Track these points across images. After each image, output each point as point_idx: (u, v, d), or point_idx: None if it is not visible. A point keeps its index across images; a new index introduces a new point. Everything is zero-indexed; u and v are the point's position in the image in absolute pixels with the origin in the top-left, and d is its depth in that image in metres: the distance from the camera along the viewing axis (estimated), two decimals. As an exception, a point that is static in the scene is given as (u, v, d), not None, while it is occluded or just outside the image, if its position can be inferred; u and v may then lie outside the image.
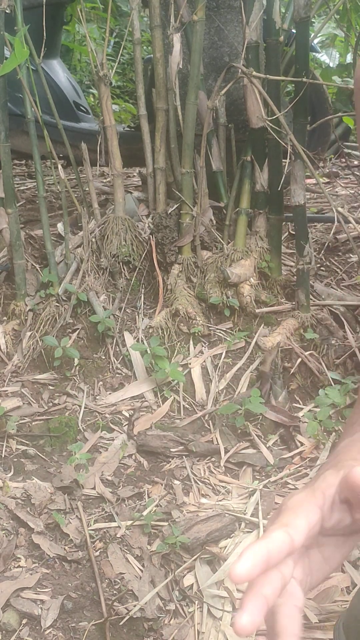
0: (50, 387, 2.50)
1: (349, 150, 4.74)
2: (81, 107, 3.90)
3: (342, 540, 0.65)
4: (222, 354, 2.55)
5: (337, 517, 0.62)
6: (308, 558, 0.64)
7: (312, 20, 3.67)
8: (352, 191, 3.94)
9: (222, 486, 2.16)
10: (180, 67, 2.56)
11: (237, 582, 0.53)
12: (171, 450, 2.27)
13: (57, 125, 2.74)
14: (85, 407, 2.42)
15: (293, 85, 2.71)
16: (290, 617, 0.57)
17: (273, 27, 2.47)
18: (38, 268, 2.81)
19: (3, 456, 2.25)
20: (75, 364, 2.54)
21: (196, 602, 1.80)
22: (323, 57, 6.18)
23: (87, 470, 2.17)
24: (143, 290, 2.77)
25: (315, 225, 3.41)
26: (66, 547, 1.94)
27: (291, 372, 2.48)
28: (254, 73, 2.43)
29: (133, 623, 1.75)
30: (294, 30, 2.46)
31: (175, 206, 2.68)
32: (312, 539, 0.62)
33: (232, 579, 0.53)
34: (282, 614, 0.57)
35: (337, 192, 3.98)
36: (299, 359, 2.49)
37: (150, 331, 2.60)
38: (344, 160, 4.43)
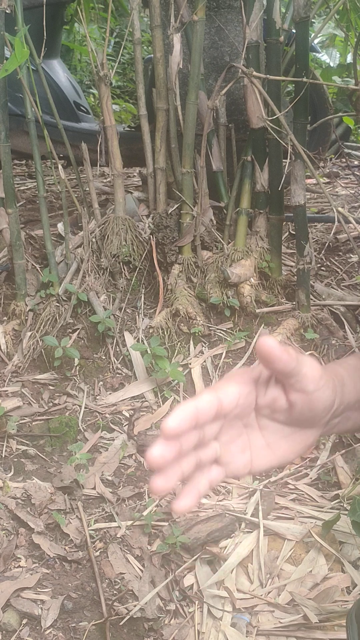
0: (51, 387, 2.50)
1: (349, 150, 4.74)
2: (81, 107, 3.90)
3: (289, 431, 0.67)
4: (222, 354, 2.55)
5: (272, 395, 0.64)
6: (247, 436, 0.66)
7: (312, 20, 3.67)
8: (353, 191, 3.94)
9: (223, 486, 2.16)
10: (181, 67, 2.56)
11: (167, 435, 0.58)
12: (171, 450, 2.26)
13: (57, 125, 2.74)
14: (85, 407, 2.42)
15: (293, 85, 2.71)
16: (198, 485, 0.63)
17: (273, 27, 2.47)
18: (38, 268, 2.81)
19: (3, 456, 2.25)
20: (75, 364, 2.54)
21: (196, 602, 1.80)
22: (323, 57, 6.17)
23: (87, 470, 2.17)
24: (143, 290, 2.77)
25: (316, 225, 3.41)
26: (66, 547, 1.94)
27: (291, 372, 2.47)
28: (254, 73, 2.43)
29: (133, 623, 1.75)
30: (294, 30, 2.46)
31: (176, 206, 2.68)
32: (246, 410, 0.65)
33: (163, 432, 0.58)
34: (193, 481, 0.63)
35: (337, 192, 3.98)
36: (299, 359, 2.48)
37: (150, 331, 2.60)
38: (344, 160, 4.43)
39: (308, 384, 0.63)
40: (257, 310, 2.61)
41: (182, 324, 2.59)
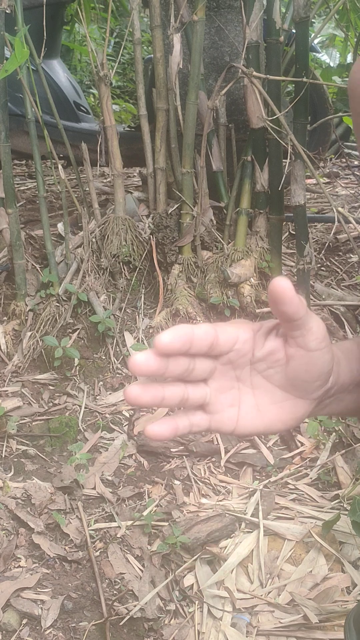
0: (51, 387, 2.50)
1: (349, 150, 4.74)
2: (81, 107, 3.90)
3: (280, 397, 0.66)
4: (222, 354, 2.55)
5: (271, 346, 0.63)
6: (238, 391, 0.65)
7: (312, 20, 3.67)
8: (353, 191, 3.94)
9: (223, 486, 2.16)
10: (181, 67, 2.56)
11: (160, 349, 0.56)
12: (171, 450, 2.27)
13: (57, 125, 2.74)
14: (85, 407, 2.42)
15: (293, 85, 2.71)
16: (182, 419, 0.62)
17: (273, 27, 2.47)
18: (38, 268, 2.81)
19: (3, 456, 2.25)
20: (75, 364, 2.54)
21: (196, 602, 1.80)
22: (323, 57, 6.18)
23: (87, 470, 2.17)
24: (143, 290, 2.77)
25: (316, 225, 3.41)
26: (66, 547, 1.94)
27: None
28: (254, 73, 2.43)
29: (133, 623, 1.75)
30: (294, 30, 2.46)
31: (176, 206, 2.68)
32: (241, 358, 0.63)
33: (155, 345, 0.56)
34: (175, 415, 0.62)
35: (337, 192, 3.98)
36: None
37: (150, 331, 2.60)
38: (344, 160, 4.43)
39: (311, 340, 0.62)
40: (257, 310, 2.61)
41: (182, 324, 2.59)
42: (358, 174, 4.27)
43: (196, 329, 0.58)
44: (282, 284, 0.58)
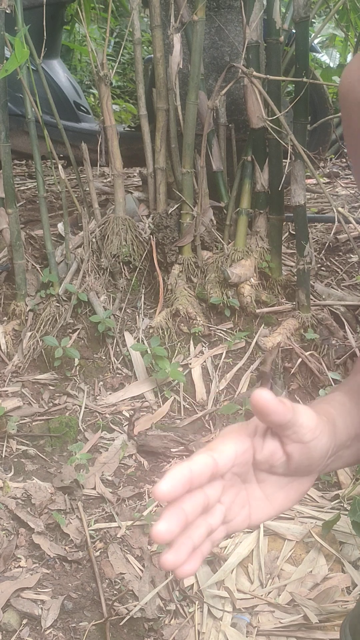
0: (51, 387, 2.50)
1: (349, 150, 4.72)
2: (81, 107, 3.90)
3: (286, 482, 0.66)
4: (222, 354, 2.55)
5: (269, 449, 0.63)
6: (246, 491, 0.65)
7: (312, 20, 3.67)
8: (353, 191, 3.94)
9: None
10: (181, 67, 2.56)
11: (161, 500, 0.55)
12: (171, 450, 2.27)
13: (57, 125, 2.74)
14: (85, 407, 2.42)
15: (293, 85, 2.71)
16: (200, 532, 0.60)
17: (273, 27, 2.47)
18: (38, 268, 2.81)
19: (3, 456, 2.25)
20: (75, 364, 2.54)
21: (196, 602, 1.80)
22: (323, 57, 6.17)
23: (87, 471, 2.17)
24: (143, 290, 2.77)
25: (316, 225, 3.40)
26: (66, 547, 1.94)
27: (292, 372, 2.47)
28: (254, 73, 2.43)
29: (133, 623, 1.75)
30: (294, 30, 2.46)
31: (176, 206, 2.68)
32: (244, 467, 0.63)
33: (155, 497, 0.55)
34: (195, 527, 0.60)
35: (337, 192, 3.98)
36: (300, 359, 2.49)
37: (150, 331, 2.60)
38: (344, 160, 4.43)
39: (305, 434, 0.62)
40: (257, 311, 2.61)
41: (182, 324, 2.59)
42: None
43: (193, 465, 0.57)
44: (263, 397, 0.58)
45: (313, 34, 3.13)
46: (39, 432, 2.34)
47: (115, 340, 2.61)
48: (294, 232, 2.99)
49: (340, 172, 4.38)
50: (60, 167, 2.68)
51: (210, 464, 0.59)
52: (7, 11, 2.42)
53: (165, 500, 0.55)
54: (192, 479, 0.57)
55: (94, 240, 2.77)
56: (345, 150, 4.46)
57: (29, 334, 2.61)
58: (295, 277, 2.66)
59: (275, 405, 0.58)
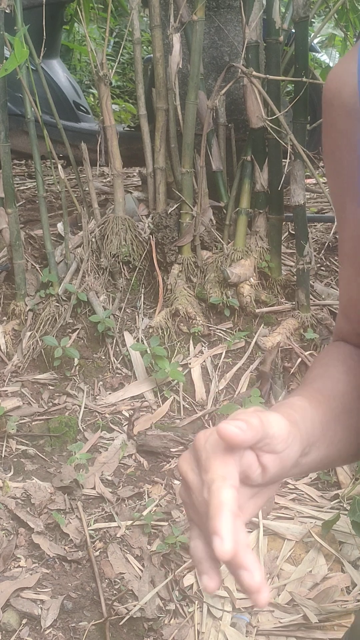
0: (50, 387, 2.50)
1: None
2: (81, 107, 3.90)
3: (255, 491, 0.66)
4: (222, 353, 2.55)
5: (247, 462, 0.62)
6: None
7: (312, 20, 3.67)
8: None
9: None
10: (180, 66, 2.56)
11: (228, 559, 0.54)
12: (171, 450, 2.27)
13: (57, 125, 2.74)
14: (85, 407, 2.42)
15: (293, 85, 2.71)
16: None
17: (273, 27, 2.47)
18: (38, 268, 2.81)
19: (3, 456, 2.25)
20: (75, 364, 2.54)
21: (196, 602, 1.80)
22: (323, 56, 6.17)
23: (87, 470, 2.17)
24: (143, 290, 2.77)
25: (315, 225, 3.41)
26: (66, 547, 1.94)
27: (291, 372, 2.48)
28: (254, 73, 2.43)
29: (133, 623, 1.75)
30: (293, 30, 2.46)
31: (175, 206, 2.68)
32: None
33: (222, 558, 0.54)
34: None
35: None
36: (299, 359, 2.49)
37: (150, 331, 2.60)
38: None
39: (277, 444, 0.61)
40: (257, 310, 2.61)
41: (181, 324, 2.59)
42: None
43: (232, 509, 0.57)
44: (229, 433, 0.57)
45: (312, 34, 3.13)
46: (38, 432, 2.34)
47: (114, 340, 2.61)
48: (293, 232, 2.99)
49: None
50: (59, 167, 2.68)
51: (236, 496, 0.58)
52: (7, 11, 2.42)
53: (230, 557, 0.54)
54: (235, 519, 0.56)
55: (93, 240, 2.77)
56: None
57: (28, 333, 2.61)
58: (295, 276, 2.66)
59: (243, 437, 0.58)
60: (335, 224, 2.84)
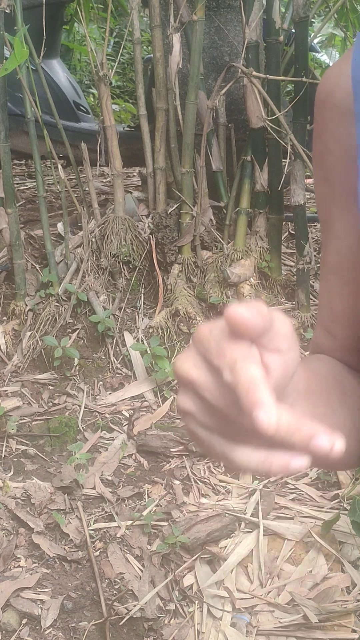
0: (50, 387, 2.50)
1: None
2: (81, 107, 3.90)
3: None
4: (222, 353, 2.54)
5: (230, 397, 0.52)
6: None
7: (312, 20, 3.67)
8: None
9: (222, 486, 2.16)
10: (180, 66, 2.56)
11: (275, 429, 0.46)
12: (171, 450, 2.27)
13: (57, 125, 2.74)
14: (85, 407, 2.42)
15: (293, 85, 2.71)
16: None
17: (273, 27, 2.47)
18: (38, 268, 2.81)
19: (3, 456, 2.25)
20: (75, 364, 2.54)
21: (196, 602, 1.80)
22: (323, 57, 6.17)
23: (87, 470, 2.17)
24: (143, 290, 2.77)
25: (315, 225, 3.40)
26: (66, 547, 1.94)
27: (291, 372, 2.47)
28: (254, 73, 2.43)
29: (133, 623, 1.75)
30: (293, 30, 2.46)
31: (175, 206, 2.68)
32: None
33: (269, 429, 0.47)
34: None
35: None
36: (299, 359, 2.49)
37: (150, 331, 2.60)
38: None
39: (282, 341, 0.53)
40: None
41: (181, 324, 2.59)
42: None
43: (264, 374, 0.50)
44: (239, 315, 0.50)
45: (312, 34, 3.13)
46: (38, 432, 2.34)
47: (114, 340, 2.61)
48: (293, 232, 2.99)
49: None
50: (59, 166, 2.68)
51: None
52: (7, 11, 2.42)
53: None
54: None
55: (93, 240, 2.77)
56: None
57: (28, 333, 2.61)
58: (295, 276, 2.66)
59: (254, 320, 0.50)
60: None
